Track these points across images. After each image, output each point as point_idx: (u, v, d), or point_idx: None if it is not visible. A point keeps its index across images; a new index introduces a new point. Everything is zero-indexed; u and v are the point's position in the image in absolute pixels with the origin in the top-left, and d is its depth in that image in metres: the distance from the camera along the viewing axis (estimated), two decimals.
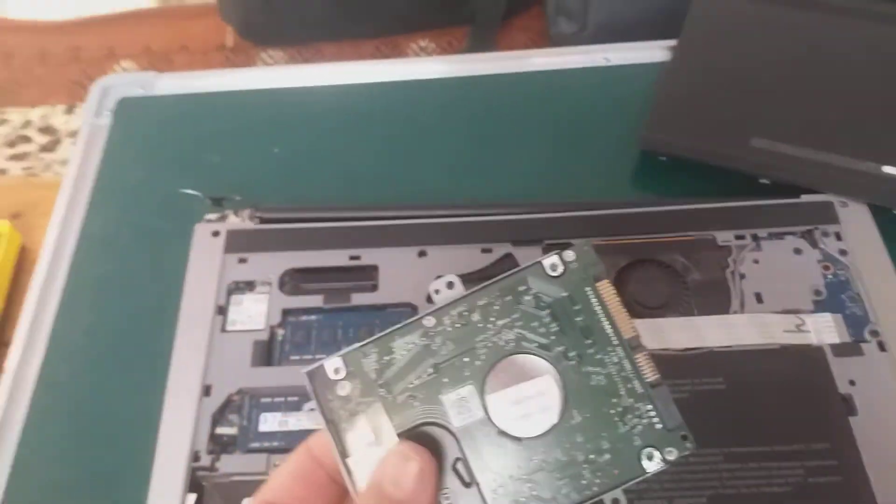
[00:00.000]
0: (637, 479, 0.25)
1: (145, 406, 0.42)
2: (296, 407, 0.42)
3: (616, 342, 0.26)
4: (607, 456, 0.25)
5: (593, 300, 0.26)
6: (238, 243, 0.47)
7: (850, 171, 0.47)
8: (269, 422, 0.42)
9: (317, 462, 0.28)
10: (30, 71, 1.00)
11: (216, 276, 0.46)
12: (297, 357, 0.44)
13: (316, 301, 0.45)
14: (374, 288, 0.45)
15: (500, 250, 0.46)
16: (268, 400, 0.42)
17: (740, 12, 0.54)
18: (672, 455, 0.25)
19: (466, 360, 0.26)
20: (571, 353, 0.26)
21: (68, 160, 0.53)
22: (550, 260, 0.27)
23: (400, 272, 0.45)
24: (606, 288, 0.26)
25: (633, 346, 0.26)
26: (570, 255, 0.27)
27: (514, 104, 0.56)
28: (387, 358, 0.27)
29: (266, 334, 0.44)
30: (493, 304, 0.27)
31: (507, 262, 0.45)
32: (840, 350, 0.41)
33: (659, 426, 0.25)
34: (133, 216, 0.51)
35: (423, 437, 0.26)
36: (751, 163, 0.48)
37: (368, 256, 0.46)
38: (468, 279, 0.45)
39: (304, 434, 0.41)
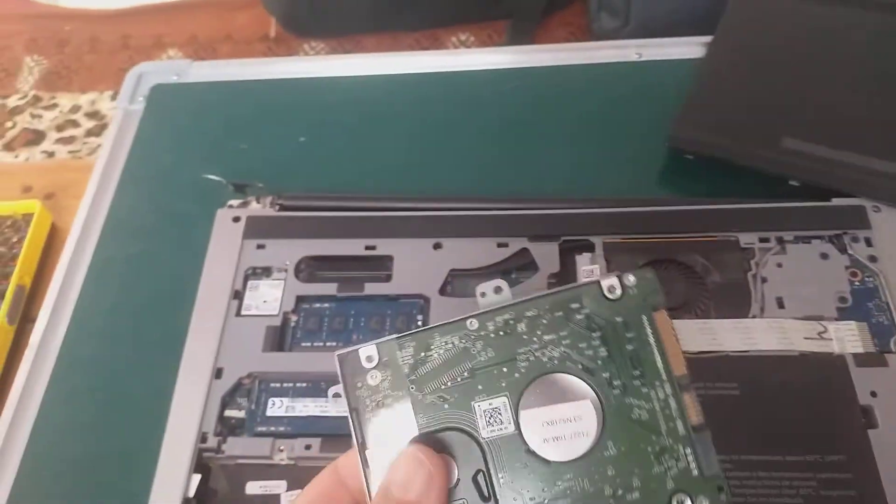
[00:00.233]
0: None
1: (160, 385, 0.43)
2: (304, 393, 0.42)
3: (665, 377, 0.24)
4: (636, 494, 0.24)
5: (648, 330, 0.25)
6: (257, 229, 0.48)
7: (885, 175, 0.45)
8: (277, 406, 0.42)
9: (342, 484, 0.27)
10: (80, 58, 1.03)
11: (234, 261, 0.46)
12: (308, 344, 0.44)
13: (330, 289, 0.45)
14: (388, 278, 0.45)
15: (516, 245, 0.45)
16: (277, 385, 0.43)
17: (778, 9, 0.53)
18: None
19: (505, 370, 0.25)
20: (616, 382, 0.25)
21: None
22: (609, 281, 0.25)
23: (414, 263, 0.45)
24: (664, 319, 0.25)
25: (681, 384, 0.24)
26: (630, 279, 0.26)
27: (543, 98, 0.56)
28: (423, 354, 0.26)
29: (279, 320, 0.44)
30: (542, 317, 0.26)
31: (523, 256, 0.45)
32: (863, 360, 0.40)
33: (695, 472, 0.24)
34: (159, 200, 0.52)
35: (446, 441, 0.25)
36: (781, 164, 0.47)
37: (384, 247, 0.46)
38: (483, 273, 0.45)
39: (310, 420, 0.41)
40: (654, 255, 0.44)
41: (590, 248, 0.45)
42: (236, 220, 0.48)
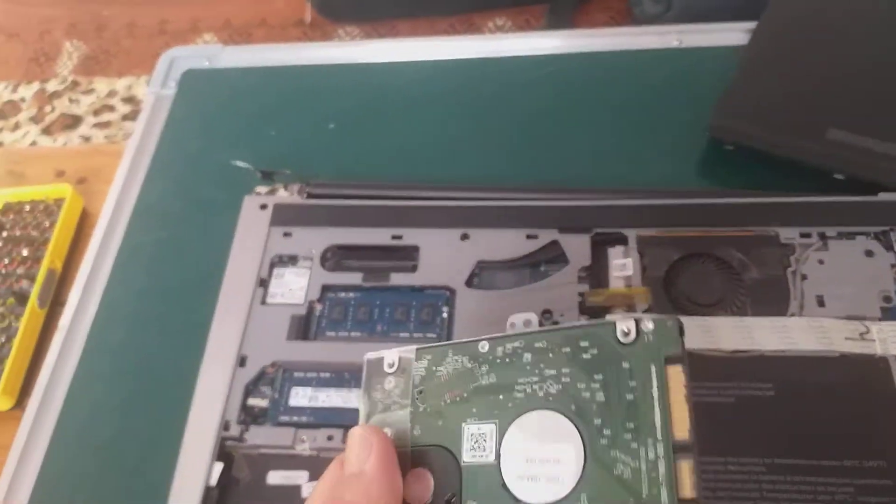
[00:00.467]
0: None
1: (185, 371, 0.43)
2: (327, 383, 0.42)
3: (660, 437, 0.22)
4: None
5: (654, 382, 0.22)
6: (284, 217, 0.47)
7: None
8: (300, 396, 0.42)
9: None
10: (118, 42, 1.04)
11: (261, 248, 0.46)
12: (332, 333, 0.44)
13: (355, 279, 0.45)
14: (413, 269, 0.44)
15: (545, 237, 0.44)
16: (300, 374, 0.42)
17: None
18: None
19: (501, 397, 0.25)
20: (607, 431, 0.23)
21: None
22: (625, 324, 0.23)
23: (441, 254, 0.44)
24: (677, 375, 0.22)
25: (679, 448, 0.21)
26: (648, 325, 0.23)
27: (579, 85, 0.54)
28: (434, 368, 0.26)
29: (304, 309, 0.44)
30: (550, 350, 0.24)
31: (553, 249, 0.44)
32: None
33: None
34: (188, 186, 0.52)
35: (432, 457, 0.26)
36: (825, 156, 0.45)
37: (410, 237, 0.45)
38: (511, 265, 0.44)
39: (333, 411, 0.41)
40: (689, 249, 0.43)
41: (623, 241, 0.43)
42: (263, 207, 0.48)
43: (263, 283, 0.45)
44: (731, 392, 0.38)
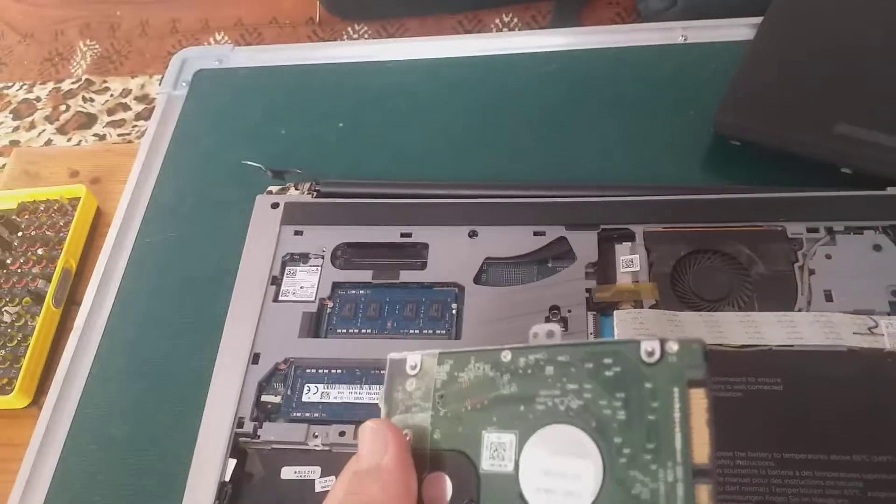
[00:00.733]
0: None
1: (199, 369, 0.43)
2: (339, 379, 0.42)
3: (679, 460, 0.22)
4: None
5: (676, 405, 0.22)
6: (295, 216, 0.48)
7: None
8: (313, 393, 0.42)
9: None
10: (131, 42, 1.05)
11: (272, 247, 0.47)
12: (343, 330, 0.44)
13: (365, 276, 0.45)
14: (422, 266, 0.45)
15: (553, 233, 0.44)
16: (312, 371, 0.43)
17: None
18: None
19: (522, 408, 0.25)
20: (626, 450, 0.23)
21: None
22: (650, 344, 0.23)
23: (450, 251, 0.45)
24: (699, 399, 0.22)
25: (698, 472, 0.21)
26: (673, 346, 0.23)
27: (585, 82, 0.54)
28: (456, 374, 0.27)
29: (315, 306, 0.44)
30: (572, 364, 0.24)
31: (560, 245, 0.44)
32: None
33: None
34: (201, 185, 0.53)
35: (450, 462, 0.26)
36: (832, 150, 0.45)
37: (419, 234, 0.45)
38: (519, 261, 0.44)
39: (345, 407, 0.41)
40: (696, 244, 0.43)
41: (630, 237, 0.43)
42: (275, 206, 0.48)
43: (275, 281, 0.46)
44: (739, 387, 0.38)
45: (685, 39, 0.54)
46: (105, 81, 1.01)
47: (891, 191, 0.43)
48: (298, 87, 0.57)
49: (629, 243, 0.43)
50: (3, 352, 0.52)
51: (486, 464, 0.25)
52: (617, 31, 0.56)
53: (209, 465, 0.40)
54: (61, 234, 0.55)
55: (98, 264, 0.50)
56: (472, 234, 0.45)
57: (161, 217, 0.52)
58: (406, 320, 0.44)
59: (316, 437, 0.40)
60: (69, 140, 0.92)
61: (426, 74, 0.57)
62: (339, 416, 0.41)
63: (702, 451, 0.21)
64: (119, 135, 0.91)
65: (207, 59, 0.60)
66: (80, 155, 0.63)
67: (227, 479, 0.39)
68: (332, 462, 0.40)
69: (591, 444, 0.23)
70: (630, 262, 0.43)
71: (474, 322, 0.42)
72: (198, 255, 0.50)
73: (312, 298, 0.45)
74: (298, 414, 0.42)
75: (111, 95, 0.99)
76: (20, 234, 0.57)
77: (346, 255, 0.47)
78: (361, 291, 0.45)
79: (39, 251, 0.56)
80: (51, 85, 1.00)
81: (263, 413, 0.42)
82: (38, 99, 0.99)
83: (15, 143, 0.92)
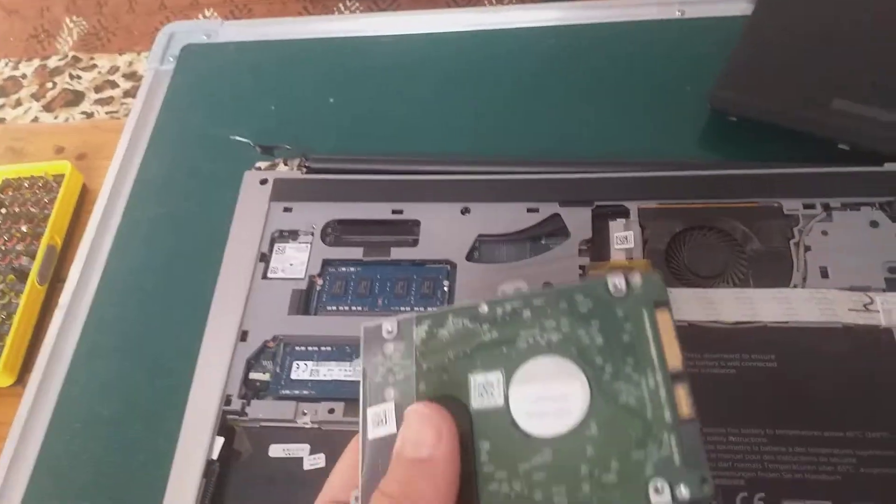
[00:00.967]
0: None
1: (187, 346, 0.43)
2: (328, 357, 0.42)
3: (657, 366, 0.24)
4: (612, 476, 0.23)
5: (646, 323, 0.25)
6: (284, 192, 0.47)
7: None
8: (302, 370, 0.42)
9: None
10: (118, 18, 1.03)
11: (261, 223, 0.46)
12: (333, 307, 0.43)
13: (356, 253, 0.45)
14: (414, 243, 0.44)
15: (546, 210, 0.44)
16: (301, 348, 0.42)
17: None
18: (684, 493, 0.22)
19: (504, 350, 0.26)
20: (609, 368, 0.25)
21: None
22: (616, 279, 0.26)
23: (441, 228, 0.44)
24: (665, 318, 0.25)
25: (675, 375, 0.24)
26: (636, 279, 0.26)
27: (581, 57, 0.54)
28: (435, 331, 0.27)
29: (305, 283, 0.44)
30: (548, 307, 0.26)
31: (554, 222, 0.43)
32: None
33: (678, 461, 0.23)
34: (188, 161, 0.52)
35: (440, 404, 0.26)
36: (830, 126, 0.44)
37: (411, 211, 0.45)
38: (512, 238, 0.44)
39: (334, 384, 0.41)
40: (691, 221, 0.42)
41: (624, 213, 0.43)
42: (263, 182, 0.47)
43: (264, 258, 0.45)
44: (733, 364, 0.38)
45: (682, 14, 0.54)
46: (92, 58, 0.99)
47: (888, 167, 0.43)
48: (288, 62, 0.56)
49: (623, 220, 0.43)
50: None
51: (476, 402, 0.26)
52: (613, 6, 0.55)
53: (196, 443, 0.39)
54: (46, 211, 0.55)
55: (84, 241, 0.49)
56: (465, 211, 0.44)
57: (148, 193, 0.51)
58: (397, 298, 0.43)
59: (305, 414, 0.40)
60: (56, 118, 0.91)
61: (418, 49, 0.56)
62: (329, 393, 0.41)
63: (675, 358, 0.24)
64: (107, 112, 0.89)
65: (195, 34, 0.59)
66: (66, 131, 0.62)
67: (215, 457, 0.39)
68: (321, 440, 0.40)
69: (574, 367, 0.25)
70: (624, 238, 0.42)
71: (466, 299, 0.42)
72: (185, 231, 0.49)
73: (302, 275, 0.44)
74: (287, 391, 0.41)
75: (99, 73, 0.97)
76: (4, 210, 0.56)
77: (337, 231, 0.46)
78: (352, 269, 0.45)
79: (24, 228, 0.55)
80: (37, 62, 0.99)
81: (252, 391, 0.41)
82: (23, 76, 0.98)
83: (0, 120, 0.91)
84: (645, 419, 0.24)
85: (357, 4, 0.92)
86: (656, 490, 0.23)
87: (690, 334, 0.38)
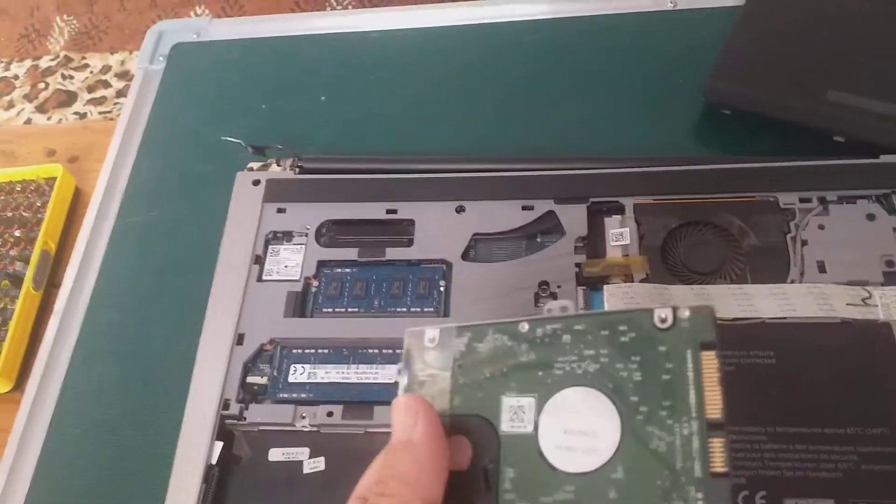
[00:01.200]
0: None
1: (184, 350, 0.42)
2: (325, 359, 0.42)
3: (695, 414, 0.23)
4: None
5: (689, 365, 0.24)
6: (277, 193, 0.47)
7: None
8: (299, 373, 0.41)
9: None
10: (110, 17, 1.02)
11: (255, 225, 0.46)
12: (329, 309, 0.43)
13: (351, 254, 0.44)
14: (409, 243, 0.44)
15: (541, 207, 0.43)
16: (299, 351, 0.42)
17: None
18: None
19: (540, 374, 0.26)
20: (643, 408, 0.24)
21: None
22: (663, 312, 0.25)
23: (436, 227, 0.44)
24: (710, 360, 0.24)
25: (712, 426, 0.23)
26: (685, 313, 0.24)
27: (572, 50, 0.53)
28: (475, 344, 0.27)
29: (300, 285, 0.44)
30: (589, 333, 0.26)
31: (549, 219, 0.43)
32: None
33: None
34: (180, 162, 0.52)
35: (470, 426, 0.27)
36: (825, 118, 0.44)
37: (405, 210, 0.45)
38: (507, 236, 0.43)
39: (332, 387, 0.41)
40: (687, 216, 0.42)
41: (619, 210, 0.43)
42: (256, 183, 0.47)
43: (259, 261, 0.45)
44: (732, 360, 0.38)
45: (674, 6, 0.53)
46: (84, 58, 0.99)
47: (884, 159, 0.42)
48: (279, 59, 0.56)
49: (619, 216, 0.43)
50: None
51: (506, 426, 0.26)
52: None
53: (195, 447, 0.39)
54: (39, 215, 0.54)
55: (77, 245, 0.49)
56: (460, 210, 0.44)
57: (140, 196, 0.51)
58: (393, 298, 0.43)
59: (303, 417, 0.40)
60: (49, 118, 0.91)
61: (410, 45, 0.55)
62: (327, 396, 0.40)
63: (715, 407, 0.23)
64: (100, 112, 0.89)
65: (185, 32, 0.59)
66: (57, 133, 0.62)
67: (214, 461, 0.39)
68: (320, 443, 0.40)
69: (608, 403, 0.24)
70: (620, 235, 0.42)
71: (463, 299, 0.42)
72: (179, 234, 0.49)
73: (297, 277, 0.44)
74: (285, 395, 0.41)
75: (91, 72, 0.97)
76: None
77: (331, 232, 0.46)
78: (347, 270, 0.44)
79: (17, 233, 0.54)
80: (28, 62, 0.98)
81: (249, 394, 0.41)
82: (15, 77, 0.97)
83: None
84: (674, 469, 0.23)
85: (349, 0, 0.91)
86: None
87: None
